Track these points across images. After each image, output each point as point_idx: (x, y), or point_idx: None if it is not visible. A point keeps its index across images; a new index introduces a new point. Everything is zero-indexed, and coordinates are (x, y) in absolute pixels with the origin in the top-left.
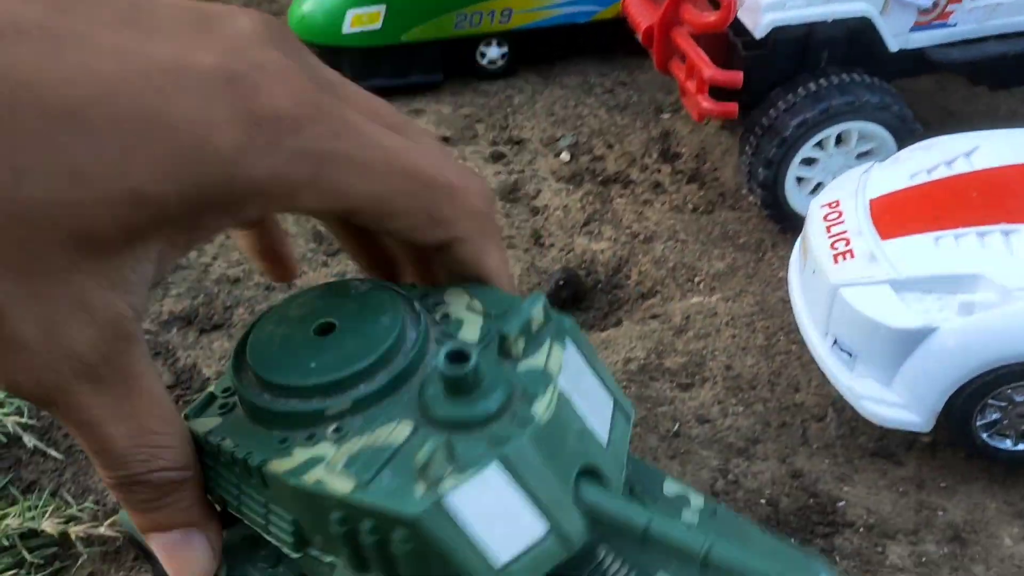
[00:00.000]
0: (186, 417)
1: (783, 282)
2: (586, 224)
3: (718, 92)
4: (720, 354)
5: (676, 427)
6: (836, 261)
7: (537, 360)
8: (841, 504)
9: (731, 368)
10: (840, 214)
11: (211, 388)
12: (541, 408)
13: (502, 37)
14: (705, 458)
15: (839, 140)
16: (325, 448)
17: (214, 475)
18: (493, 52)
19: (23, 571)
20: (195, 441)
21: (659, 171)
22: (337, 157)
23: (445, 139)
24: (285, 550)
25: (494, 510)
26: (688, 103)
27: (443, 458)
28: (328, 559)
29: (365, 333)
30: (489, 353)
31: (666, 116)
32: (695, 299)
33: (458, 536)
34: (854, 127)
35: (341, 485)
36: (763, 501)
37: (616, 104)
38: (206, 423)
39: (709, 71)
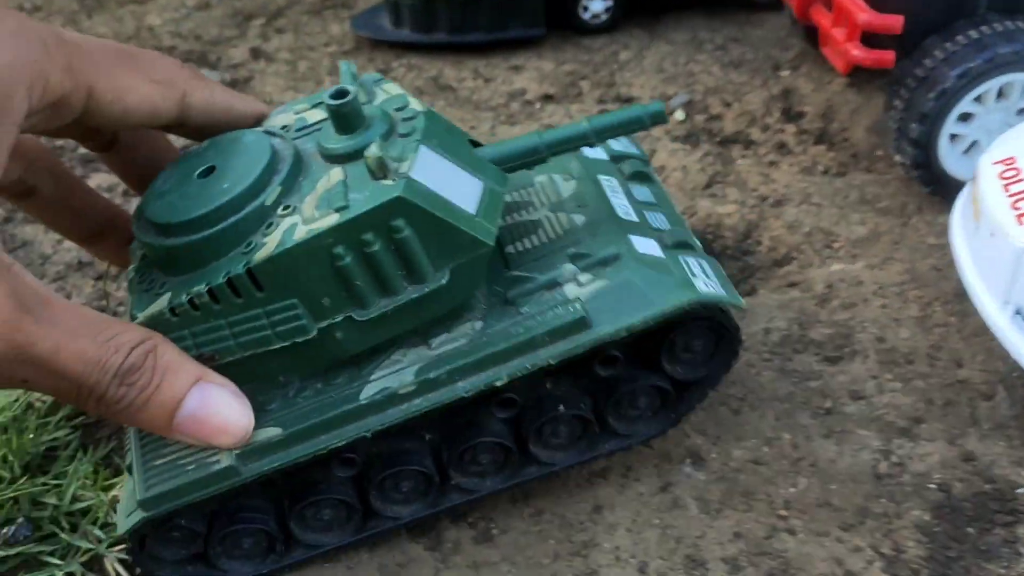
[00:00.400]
0: (133, 317)
1: (933, 249)
2: (708, 186)
3: (867, 42)
4: (870, 325)
5: (828, 403)
6: (1022, 222)
7: (380, 98)
8: (1021, 491)
9: (884, 341)
10: (1018, 171)
11: (130, 286)
12: (417, 106)
13: None
14: (864, 438)
15: (999, 94)
16: (289, 220)
17: (196, 337)
18: (597, 5)
19: None
20: (158, 321)
21: (782, 131)
22: None
23: (548, 97)
24: (299, 338)
25: (443, 178)
26: (832, 53)
27: (386, 160)
28: (339, 319)
29: (247, 154)
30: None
31: (785, 73)
32: (836, 266)
33: (436, 198)
34: (1019, 79)
35: (328, 220)
36: (933, 486)
37: (730, 61)
38: (155, 306)
39: (865, 15)
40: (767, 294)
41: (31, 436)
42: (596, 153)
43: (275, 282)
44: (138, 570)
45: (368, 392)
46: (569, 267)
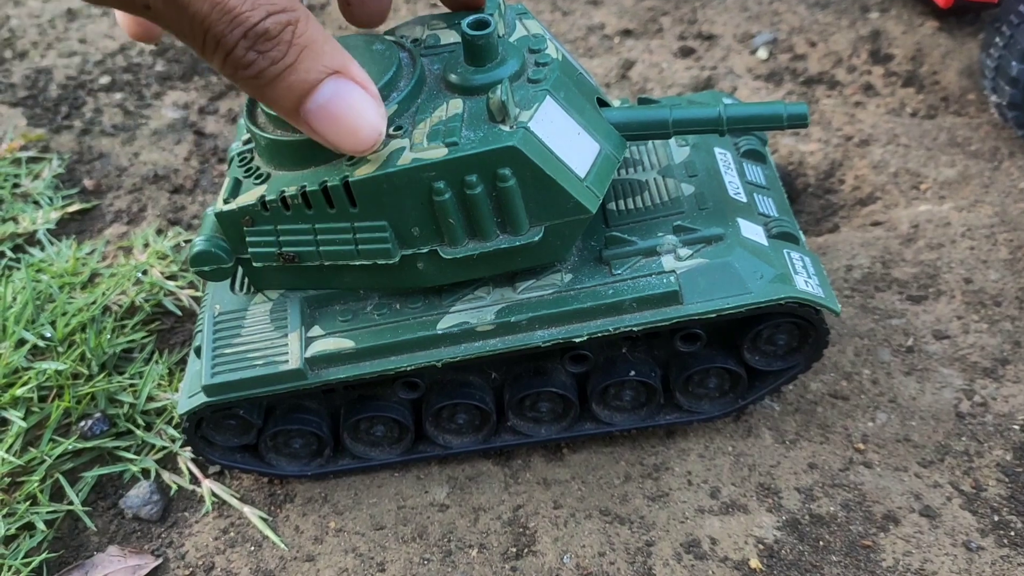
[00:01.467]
0: (225, 202)
1: None
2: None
3: None
4: (957, 267)
5: (910, 341)
6: None
7: (520, 32)
8: None
9: (971, 282)
10: None
11: (230, 170)
12: (553, 52)
13: None
14: (946, 376)
15: None
16: (397, 143)
17: (281, 235)
18: None
19: None
20: (248, 211)
21: (869, 73)
22: None
23: (627, 32)
24: (381, 260)
25: (561, 134)
26: None
27: (509, 105)
28: (424, 250)
29: (374, 63)
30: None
31: (874, 15)
32: (923, 207)
33: (548, 154)
34: None
35: (436, 153)
36: (1017, 427)
37: (816, 2)
38: (248, 196)
39: None
40: (850, 232)
41: (108, 337)
42: None
43: (369, 201)
44: (200, 460)
45: (446, 323)
46: (671, 238)
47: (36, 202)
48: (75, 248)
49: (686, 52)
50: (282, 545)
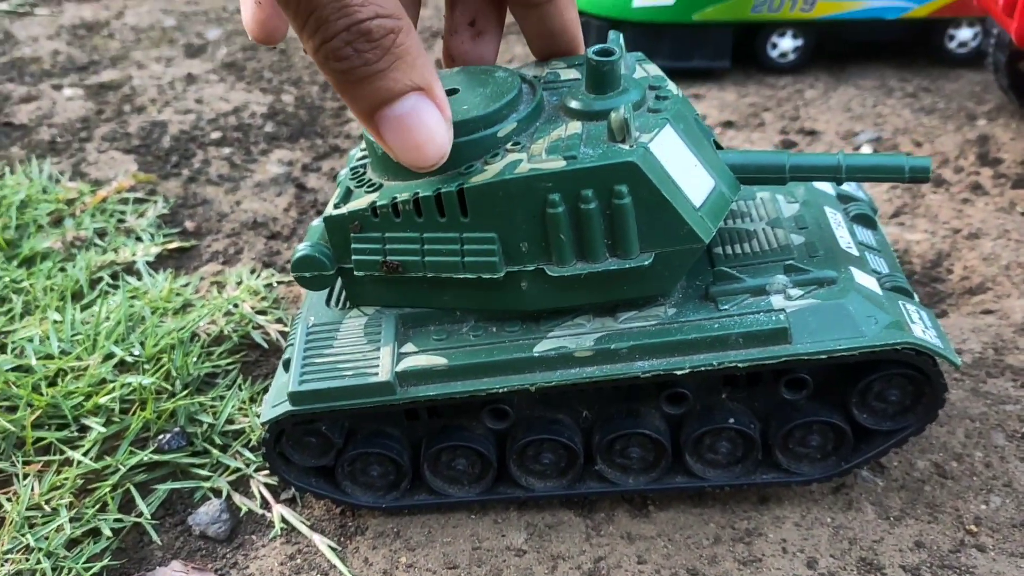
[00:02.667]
0: (336, 207)
1: None
2: (895, 215)
3: None
4: None
5: None
6: None
7: (640, 72)
8: None
9: None
10: None
11: (341, 182)
12: (674, 89)
13: (799, 28)
14: None
15: None
16: (515, 155)
17: (388, 243)
18: (786, 43)
19: None
20: (357, 216)
21: (978, 173)
22: None
23: (728, 123)
24: (486, 275)
25: (679, 162)
26: None
27: (630, 124)
28: (530, 267)
29: (490, 84)
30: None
31: (982, 122)
32: None
33: (666, 178)
34: None
35: (554, 164)
36: None
37: (921, 107)
38: (360, 201)
39: None
40: (959, 318)
41: (194, 360)
42: (824, 186)
43: (482, 210)
44: (272, 476)
45: (543, 347)
46: (781, 277)
47: (139, 238)
48: (171, 279)
49: (788, 145)
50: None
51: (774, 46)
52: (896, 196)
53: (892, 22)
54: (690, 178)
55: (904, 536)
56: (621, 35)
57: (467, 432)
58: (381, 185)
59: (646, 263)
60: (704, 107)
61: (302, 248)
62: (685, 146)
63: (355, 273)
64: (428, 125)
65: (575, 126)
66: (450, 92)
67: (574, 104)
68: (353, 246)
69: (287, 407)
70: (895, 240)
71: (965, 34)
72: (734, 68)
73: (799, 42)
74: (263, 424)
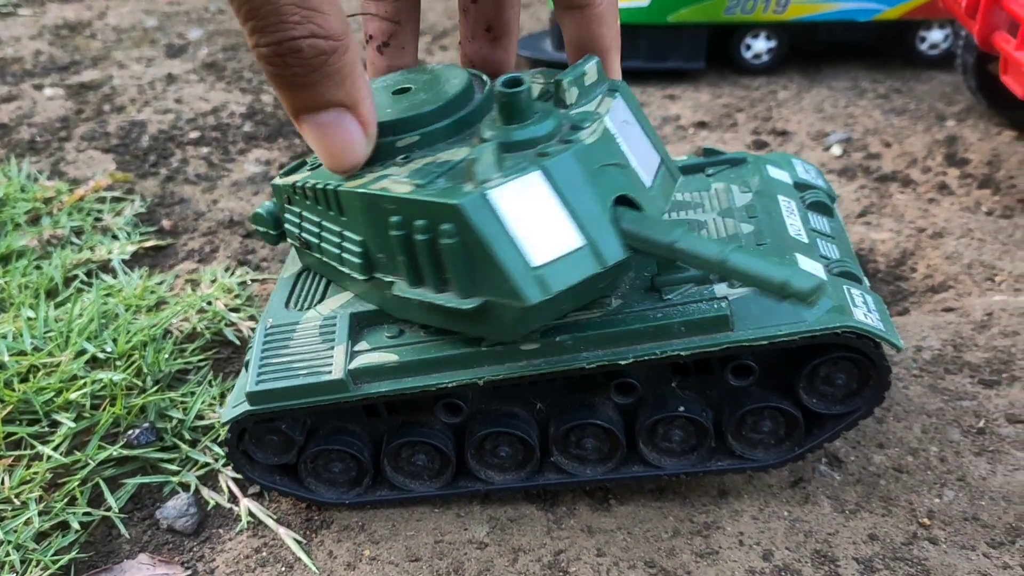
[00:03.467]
0: (280, 176)
1: None
2: (862, 215)
3: None
4: None
5: (981, 423)
6: None
7: (587, 107)
8: None
9: None
10: None
11: (307, 159)
12: (586, 134)
13: (772, 29)
14: (1020, 459)
15: None
16: (393, 169)
17: (302, 220)
18: (760, 45)
19: None
20: (284, 191)
21: (944, 173)
22: None
23: (702, 124)
24: (355, 274)
25: (535, 215)
26: (1013, 80)
27: (492, 165)
28: (388, 279)
29: (435, 91)
30: (545, 100)
31: (951, 123)
32: (997, 297)
33: (498, 229)
34: None
35: (401, 188)
36: None
37: (892, 108)
38: (296, 177)
39: None
40: (920, 316)
41: (165, 357)
42: (780, 175)
43: (351, 214)
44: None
45: (490, 341)
46: None
47: (115, 236)
48: (146, 277)
49: (759, 145)
50: (314, 568)
51: (748, 47)
52: (864, 196)
53: (864, 24)
54: (544, 232)
55: (858, 529)
56: (598, 60)
57: (425, 428)
58: (319, 166)
59: (470, 307)
60: (679, 108)
61: (262, 206)
62: (555, 199)
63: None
64: (344, 138)
65: (461, 152)
66: (403, 90)
67: (483, 130)
68: (284, 215)
69: (245, 407)
70: (860, 239)
71: (936, 36)
72: (709, 69)
73: (772, 43)
74: (223, 424)
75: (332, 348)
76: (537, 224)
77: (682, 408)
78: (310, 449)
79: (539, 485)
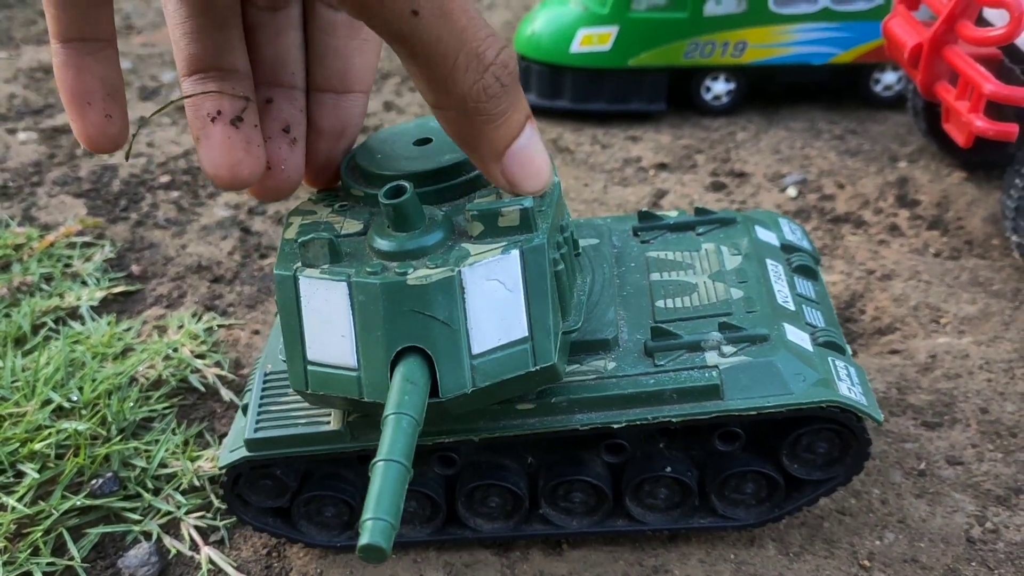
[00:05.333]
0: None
1: None
2: None
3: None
4: (973, 397)
5: (923, 465)
6: None
7: (471, 249)
8: None
9: (987, 412)
10: None
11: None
12: (413, 277)
13: (731, 72)
14: (958, 501)
15: None
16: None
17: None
18: (719, 87)
19: (209, 513)
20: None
21: (896, 215)
22: None
23: (662, 165)
24: None
25: (324, 318)
26: (954, 128)
27: (312, 248)
28: None
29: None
30: (445, 217)
31: (903, 164)
32: (942, 339)
33: (293, 311)
34: None
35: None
36: None
37: (847, 149)
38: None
39: (991, 86)
40: (867, 358)
41: (130, 405)
42: (768, 237)
43: None
44: (222, 519)
45: None
46: (716, 335)
47: (84, 282)
48: (113, 324)
49: (718, 187)
50: None
51: (708, 89)
52: (817, 238)
53: (820, 67)
54: (326, 339)
55: (802, 571)
56: (526, 207)
57: (417, 476)
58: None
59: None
60: (640, 149)
61: None
62: (349, 315)
63: None
64: (540, 148)
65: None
66: (423, 141)
67: (375, 241)
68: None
69: (243, 453)
70: None
71: (890, 78)
72: (671, 110)
73: (732, 85)
74: (221, 468)
75: None
76: (319, 328)
77: (669, 468)
78: (304, 494)
79: (527, 535)
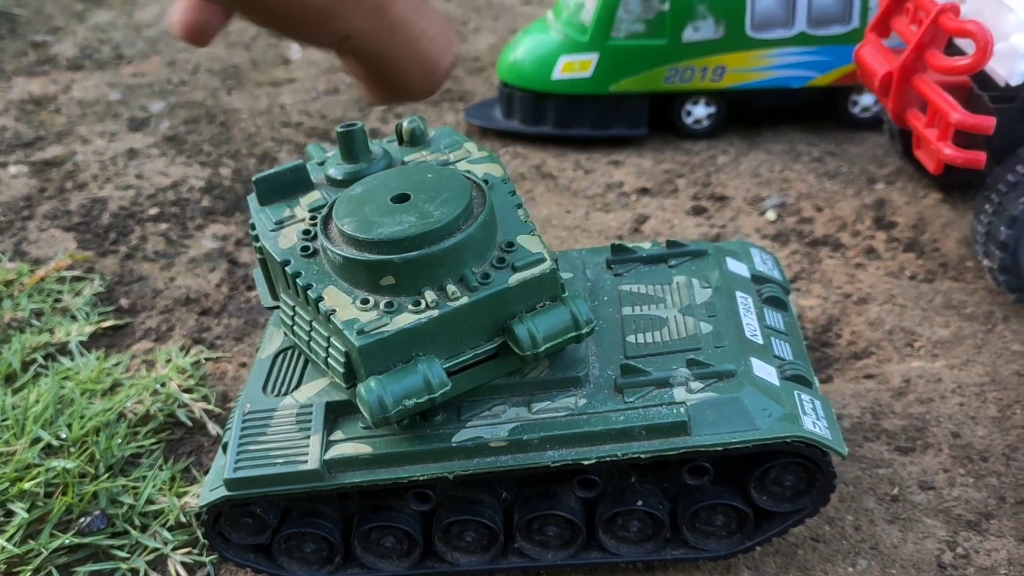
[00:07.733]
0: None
1: (1017, 355)
2: (792, 281)
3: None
4: (946, 421)
5: (895, 491)
6: None
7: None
8: None
9: (959, 436)
10: None
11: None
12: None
13: (711, 96)
14: (930, 527)
15: None
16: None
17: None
18: (699, 111)
19: (196, 549)
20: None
21: (873, 238)
22: None
23: (644, 190)
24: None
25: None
26: (924, 155)
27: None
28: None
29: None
30: (385, 153)
31: (880, 186)
32: (916, 363)
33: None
34: None
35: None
36: None
37: (825, 172)
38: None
39: (958, 115)
40: (842, 383)
41: (118, 441)
42: (739, 269)
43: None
44: (207, 557)
45: (461, 436)
46: (684, 371)
47: (74, 317)
48: (101, 359)
49: (698, 211)
50: None
51: (688, 113)
52: (795, 262)
53: (798, 90)
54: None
55: None
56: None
57: (395, 512)
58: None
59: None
60: (622, 174)
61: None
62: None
63: None
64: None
65: (314, 196)
66: (401, 197)
67: (329, 170)
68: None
69: (223, 492)
70: None
71: (867, 99)
72: (652, 134)
73: (712, 109)
74: (201, 507)
75: (308, 437)
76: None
77: (640, 503)
78: (284, 531)
79: (502, 568)
